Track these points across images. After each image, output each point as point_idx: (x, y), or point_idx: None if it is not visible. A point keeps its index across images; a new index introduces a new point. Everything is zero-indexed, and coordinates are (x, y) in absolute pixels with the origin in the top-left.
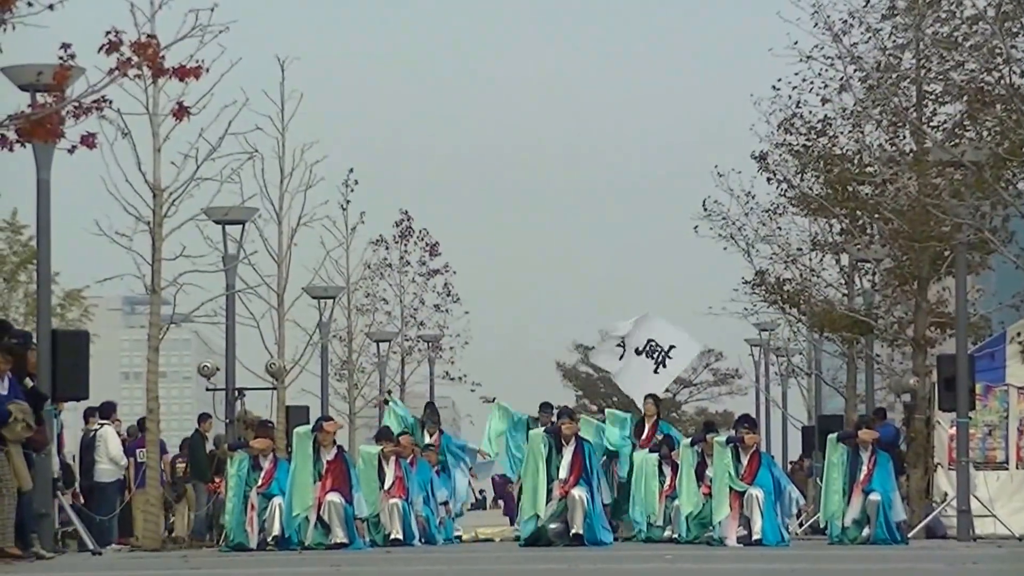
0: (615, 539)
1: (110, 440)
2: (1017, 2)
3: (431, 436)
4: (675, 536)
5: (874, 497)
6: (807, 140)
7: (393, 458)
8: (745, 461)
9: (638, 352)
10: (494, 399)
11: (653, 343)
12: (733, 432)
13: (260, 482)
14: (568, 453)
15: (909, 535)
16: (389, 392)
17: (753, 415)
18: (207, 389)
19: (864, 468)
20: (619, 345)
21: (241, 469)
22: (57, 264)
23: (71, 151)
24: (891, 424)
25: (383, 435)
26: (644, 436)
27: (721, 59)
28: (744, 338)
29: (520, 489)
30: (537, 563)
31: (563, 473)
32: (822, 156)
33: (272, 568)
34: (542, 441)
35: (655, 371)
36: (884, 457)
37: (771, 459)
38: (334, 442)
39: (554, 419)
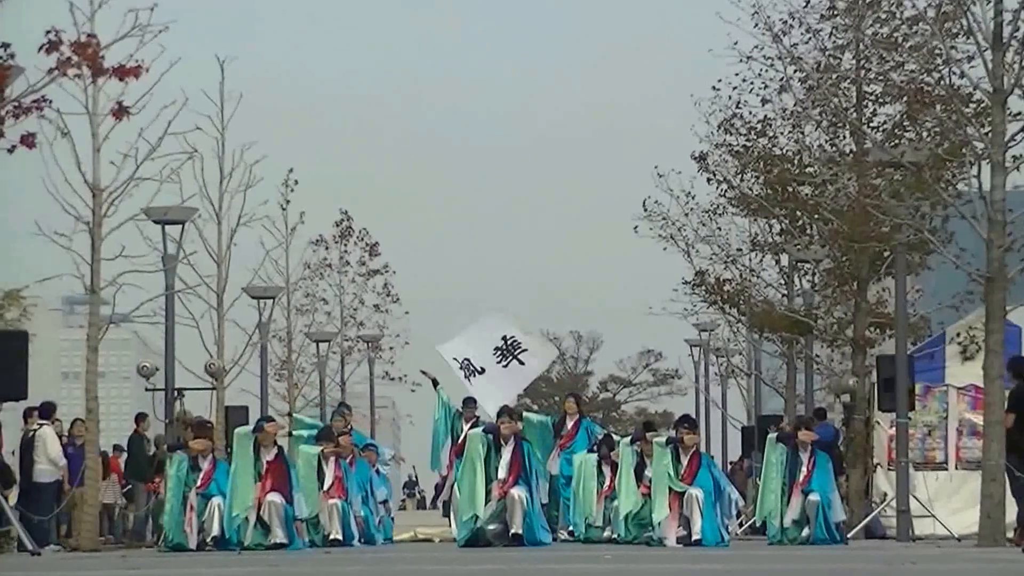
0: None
1: (48, 441)
2: (957, 3)
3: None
4: (614, 536)
5: (813, 498)
6: (747, 140)
7: (332, 458)
8: (685, 461)
9: (499, 351)
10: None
11: (511, 340)
12: (673, 432)
13: (199, 483)
14: (507, 453)
15: (848, 535)
16: (290, 414)
17: (693, 415)
18: (146, 389)
19: (803, 468)
20: (466, 364)
21: (180, 470)
22: None
23: (11, 151)
24: (830, 424)
25: (324, 435)
26: (564, 435)
27: (661, 59)
28: (684, 338)
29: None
30: (476, 564)
31: (502, 473)
32: (762, 156)
33: (210, 569)
34: (480, 441)
35: (521, 363)
36: (823, 458)
37: (711, 459)
38: (274, 443)
39: (478, 414)
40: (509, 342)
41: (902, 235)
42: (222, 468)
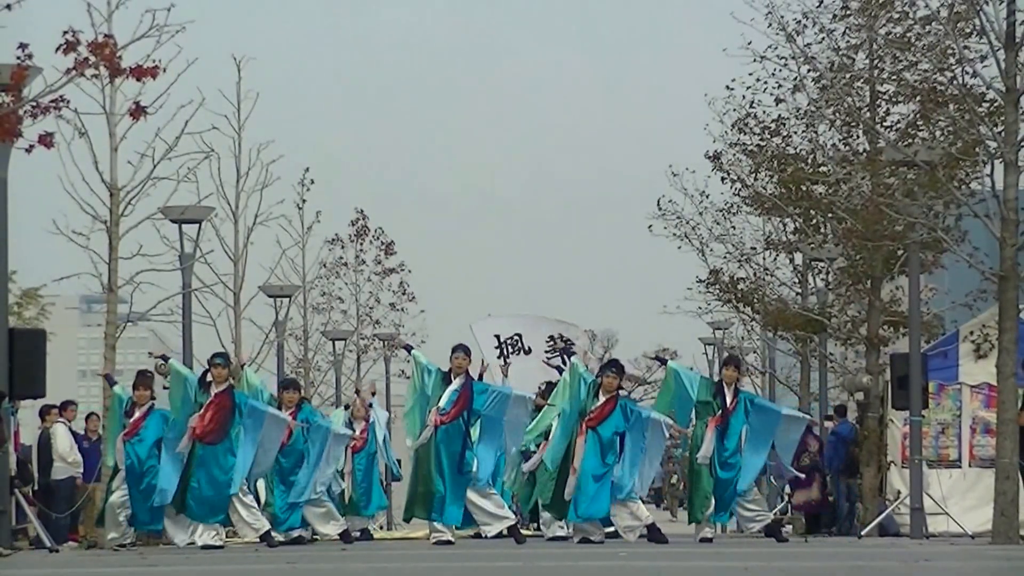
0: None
1: (59, 437)
2: (970, 3)
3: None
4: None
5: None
6: (761, 140)
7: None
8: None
9: (551, 341)
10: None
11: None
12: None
13: (127, 429)
14: (456, 384)
15: (862, 533)
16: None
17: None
18: (163, 387)
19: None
20: (515, 340)
21: (117, 409)
22: (14, 263)
23: (29, 150)
24: (847, 421)
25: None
26: (595, 411)
27: (675, 59)
28: (698, 337)
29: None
30: (492, 561)
31: (443, 403)
32: (776, 156)
33: (227, 565)
34: (437, 378)
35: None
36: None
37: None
38: (227, 380)
39: (506, 390)
40: (564, 340)
41: (916, 234)
42: (156, 417)
